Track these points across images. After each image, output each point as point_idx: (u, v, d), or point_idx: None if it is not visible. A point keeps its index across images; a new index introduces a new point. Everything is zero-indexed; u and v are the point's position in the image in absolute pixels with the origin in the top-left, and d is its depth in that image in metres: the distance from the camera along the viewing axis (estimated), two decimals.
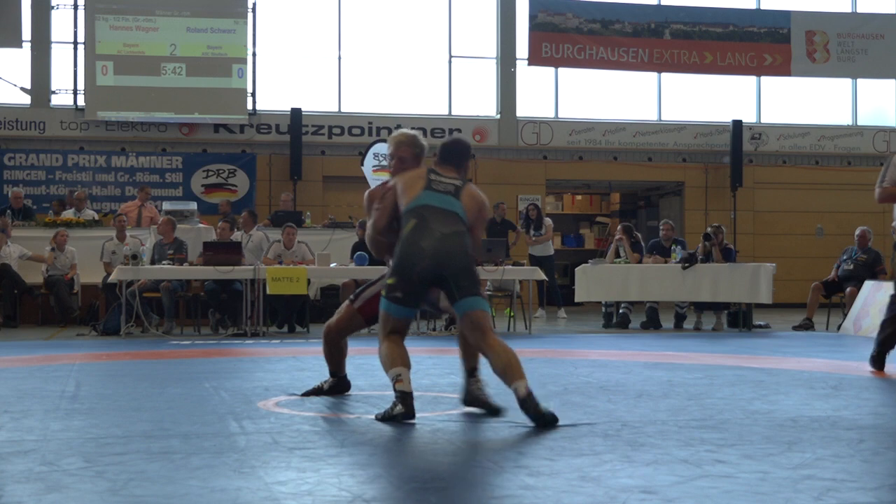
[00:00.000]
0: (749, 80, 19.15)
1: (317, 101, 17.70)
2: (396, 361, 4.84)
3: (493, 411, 4.92)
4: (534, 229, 14.50)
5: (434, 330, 11.57)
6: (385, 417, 4.77)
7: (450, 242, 4.86)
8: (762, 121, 19.12)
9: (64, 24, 17.06)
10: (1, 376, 6.84)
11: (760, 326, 12.09)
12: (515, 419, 4.65)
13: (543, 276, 12.12)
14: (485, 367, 4.91)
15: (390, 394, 5.74)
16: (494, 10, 18.31)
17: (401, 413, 4.72)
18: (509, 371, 4.67)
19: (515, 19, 18.19)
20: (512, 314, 12.32)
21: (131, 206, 14.39)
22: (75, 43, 16.96)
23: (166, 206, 13.90)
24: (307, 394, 5.70)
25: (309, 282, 11.45)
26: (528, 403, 4.55)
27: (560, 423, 4.55)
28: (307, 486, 3.38)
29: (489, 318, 4.91)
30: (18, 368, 7.44)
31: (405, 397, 4.75)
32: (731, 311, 12.14)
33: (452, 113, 18.01)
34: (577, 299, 12.68)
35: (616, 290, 12.20)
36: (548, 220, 14.74)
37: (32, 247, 12.95)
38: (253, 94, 17.23)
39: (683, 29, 18.41)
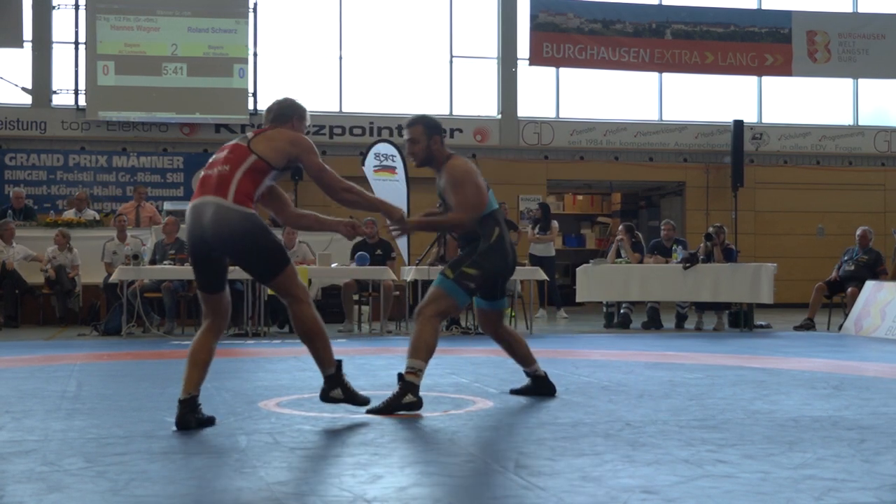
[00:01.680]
0: (750, 80, 19.14)
1: (318, 101, 17.70)
2: (430, 355, 5.13)
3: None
4: (540, 229, 14.51)
5: None
6: (392, 406, 4.94)
7: (514, 252, 5.52)
8: (763, 121, 19.12)
9: (65, 24, 17.07)
10: (2, 376, 6.85)
11: (761, 326, 12.08)
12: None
13: (545, 277, 12.11)
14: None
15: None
16: (495, 10, 18.31)
17: (411, 403, 4.97)
18: (530, 356, 5.71)
19: (516, 19, 18.19)
20: (513, 314, 12.32)
21: (129, 206, 14.38)
22: (76, 43, 16.97)
23: (167, 206, 13.89)
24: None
25: (310, 282, 11.45)
26: (547, 381, 5.73)
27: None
28: (308, 486, 3.38)
29: None
30: (20, 368, 7.44)
31: (416, 391, 5.04)
32: (732, 311, 12.13)
33: (454, 113, 18.01)
34: (578, 299, 12.68)
35: (617, 290, 12.20)
36: (555, 223, 14.77)
37: (33, 247, 12.95)
38: (254, 95, 17.24)
39: (684, 29, 18.41)
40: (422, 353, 5.06)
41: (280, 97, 5.03)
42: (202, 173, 4.75)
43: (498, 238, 5.29)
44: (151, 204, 14.71)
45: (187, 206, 4.71)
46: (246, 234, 4.54)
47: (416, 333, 5.11)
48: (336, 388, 4.82)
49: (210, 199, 4.55)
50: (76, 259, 12.79)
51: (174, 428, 4.47)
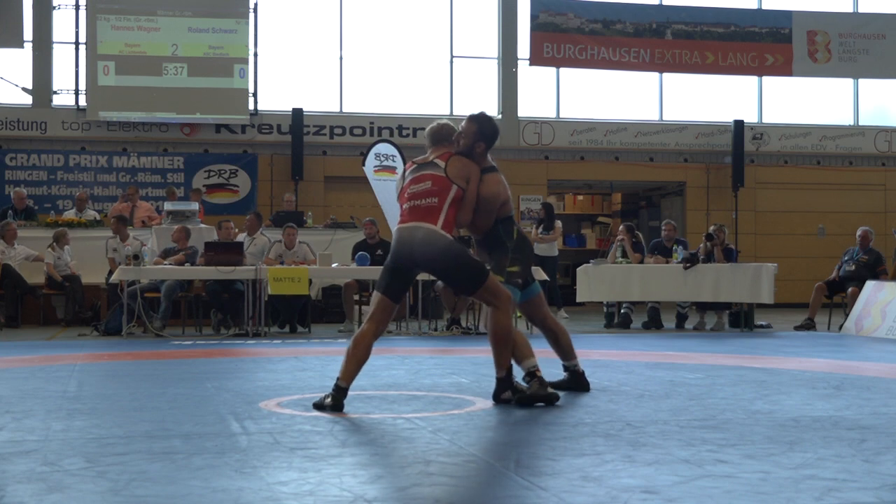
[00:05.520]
0: (750, 80, 19.14)
1: (318, 101, 17.70)
2: (530, 352, 5.36)
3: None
4: (544, 229, 14.52)
5: (436, 330, 11.56)
6: (525, 399, 5.19)
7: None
8: (764, 121, 19.11)
9: (65, 24, 17.07)
10: (3, 376, 6.85)
11: (762, 326, 12.08)
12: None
13: (545, 277, 12.10)
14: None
15: (392, 394, 5.76)
16: (496, 11, 18.30)
17: (550, 396, 5.27)
18: (571, 351, 5.91)
19: (517, 19, 18.18)
20: (518, 314, 12.31)
21: (124, 207, 14.33)
22: (77, 43, 16.97)
23: (167, 206, 13.87)
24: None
25: (310, 282, 11.45)
26: (583, 379, 5.91)
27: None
28: (309, 486, 3.38)
29: None
30: (20, 369, 7.44)
31: (546, 385, 5.31)
32: (732, 311, 12.13)
33: (454, 113, 17.99)
34: (578, 299, 12.68)
35: (618, 290, 12.19)
36: (558, 223, 14.78)
37: (34, 247, 12.95)
38: (254, 95, 17.23)
39: (685, 29, 18.40)
40: (525, 356, 5.33)
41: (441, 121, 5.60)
42: (406, 205, 5.29)
43: (519, 235, 5.59)
44: (148, 203, 14.58)
45: (396, 228, 5.25)
46: (448, 254, 5.19)
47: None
48: (507, 391, 5.29)
49: (421, 224, 5.19)
50: (68, 255, 12.82)
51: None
